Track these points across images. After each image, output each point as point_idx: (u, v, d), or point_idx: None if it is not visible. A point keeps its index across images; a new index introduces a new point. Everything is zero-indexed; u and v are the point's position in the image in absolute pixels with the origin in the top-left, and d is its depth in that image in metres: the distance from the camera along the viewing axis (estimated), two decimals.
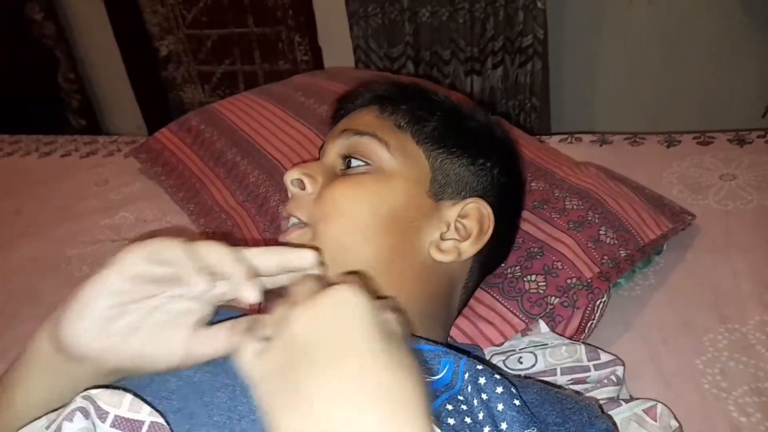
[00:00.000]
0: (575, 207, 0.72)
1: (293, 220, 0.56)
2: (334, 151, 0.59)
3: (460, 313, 0.65)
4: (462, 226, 0.57)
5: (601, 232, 0.71)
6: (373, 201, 0.54)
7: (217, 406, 0.40)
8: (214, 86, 2.42)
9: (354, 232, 0.53)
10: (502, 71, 1.81)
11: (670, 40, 1.73)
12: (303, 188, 0.56)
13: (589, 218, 0.71)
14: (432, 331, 0.57)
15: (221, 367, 0.43)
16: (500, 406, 0.42)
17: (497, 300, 0.66)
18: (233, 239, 0.91)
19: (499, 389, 0.42)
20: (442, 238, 0.56)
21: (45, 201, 1.16)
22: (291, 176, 0.56)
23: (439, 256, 0.55)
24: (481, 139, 0.61)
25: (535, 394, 0.47)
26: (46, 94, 2.37)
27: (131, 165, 1.21)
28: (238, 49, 2.30)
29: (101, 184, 1.19)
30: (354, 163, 0.57)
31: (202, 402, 0.41)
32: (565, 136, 1.12)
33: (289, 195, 0.58)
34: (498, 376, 0.43)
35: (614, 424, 0.50)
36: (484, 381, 0.43)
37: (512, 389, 0.43)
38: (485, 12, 1.73)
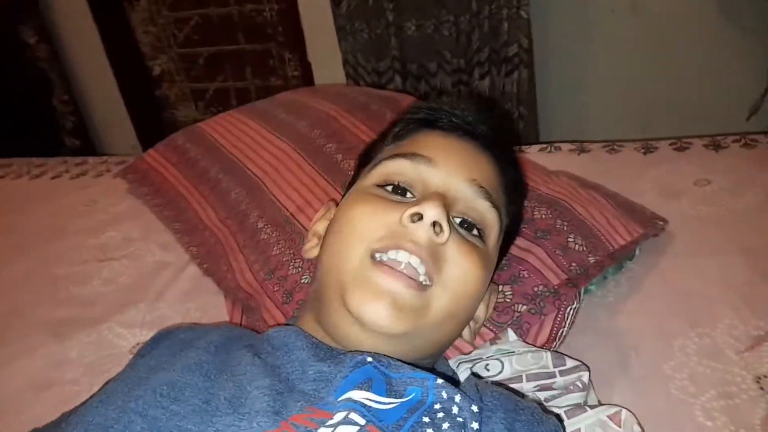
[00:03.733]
0: (543, 216, 0.74)
1: (417, 263, 0.48)
2: (459, 200, 0.53)
3: None
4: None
5: (569, 240, 0.72)
6: (482, 286, 0.53)
7: None
8: (207, 103, 2.44)
9: (458, 312, 0.52)
10: (489, 81, 1.83)
11: (654, 46, 1.75)
12: (438, 236, 0.48)
13: (558, 226, 0.73)
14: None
15: (192, 404, 0.44)
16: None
17: None
18: (217, 256, 0.92)
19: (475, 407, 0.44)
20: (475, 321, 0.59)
21: (34, 222, 1.18)
22: (434, 217, 0.47)
23: (467, 337, 0.59)
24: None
25: (492, 398, 0.47)
26: (42, 116, 2.40)
27: (120, 185, 1.23)
28: (230, 66, 2.33)
29: (90, 205, 1.21)
30: (473, 230, 0.53)
31: None
32: (544, 146, 1.13)
33: (412, 229, 0.48)
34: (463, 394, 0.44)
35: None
36: (450, 396, 0.44)
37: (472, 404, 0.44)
38: (470, 24, 1.75)
